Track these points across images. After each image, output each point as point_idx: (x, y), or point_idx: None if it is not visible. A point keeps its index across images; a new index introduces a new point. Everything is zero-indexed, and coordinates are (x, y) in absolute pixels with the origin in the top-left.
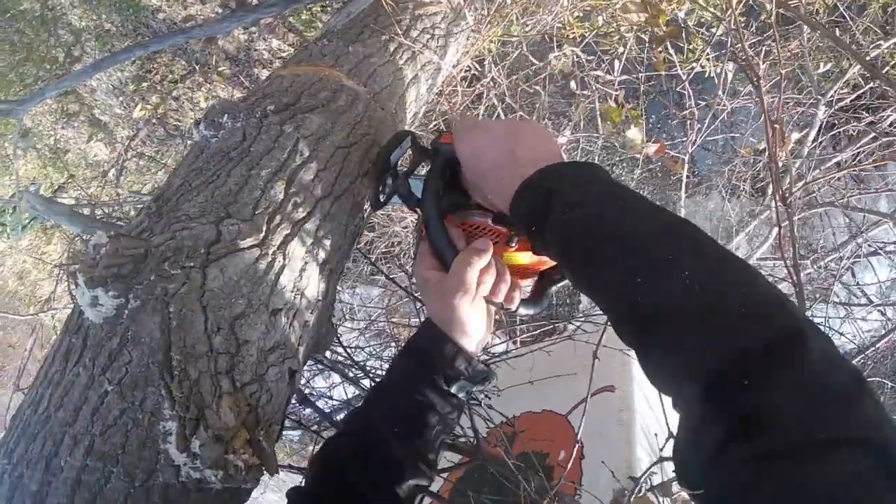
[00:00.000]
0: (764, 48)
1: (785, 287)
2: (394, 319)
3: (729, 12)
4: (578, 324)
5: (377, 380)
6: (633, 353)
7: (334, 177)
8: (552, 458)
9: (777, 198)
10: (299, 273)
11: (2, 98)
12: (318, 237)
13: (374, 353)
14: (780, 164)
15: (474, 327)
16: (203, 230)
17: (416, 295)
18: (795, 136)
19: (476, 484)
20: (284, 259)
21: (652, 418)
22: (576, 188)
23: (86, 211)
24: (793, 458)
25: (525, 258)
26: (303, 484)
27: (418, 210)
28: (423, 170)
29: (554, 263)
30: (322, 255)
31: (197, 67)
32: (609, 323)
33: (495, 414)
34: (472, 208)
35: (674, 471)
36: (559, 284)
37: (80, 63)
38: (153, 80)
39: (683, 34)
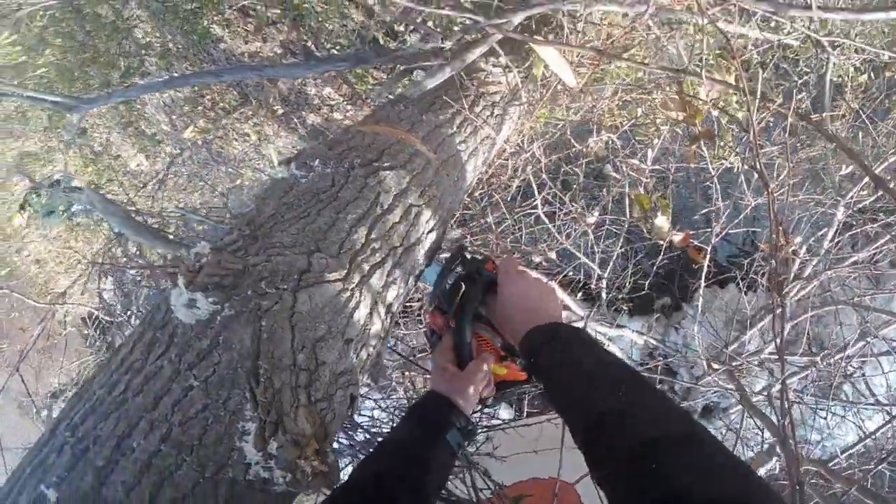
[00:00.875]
0: (789, 152)
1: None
2: (410, 373)
3: (751, 118)
4: None
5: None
6: None
7: (406, 230)
8: None
9: (774, 292)
10: (370, 311)
11: (65, 93)
12: (387, 282)
13: (383, 408)
14: (781, 263)
15: (472, 403)
16: (296, 259)
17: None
18: (798, 239)
19: None
20: (360, 296)
21: None
22: (569, 339)
23: None
24: None
25: (502, 371)
26: None
27: (440, 300)
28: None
29: (516, 379)
30: (389, 298)
31: (254, 101)
32: (567, 427)
33: (500, 477)
34: (485, 324)
35: None
36: (515, 391)
37: (139, 76)
38: (205, 106)
39: (716, 131)
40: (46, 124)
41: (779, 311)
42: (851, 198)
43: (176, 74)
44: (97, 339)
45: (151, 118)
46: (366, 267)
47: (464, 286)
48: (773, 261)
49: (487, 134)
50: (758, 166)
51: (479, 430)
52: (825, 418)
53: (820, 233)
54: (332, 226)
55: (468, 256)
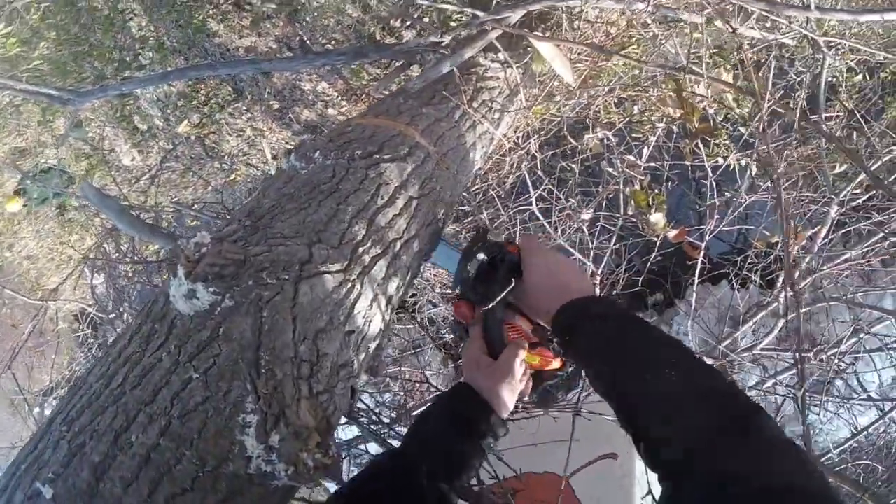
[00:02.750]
0: (786, 150)
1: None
2: (405, 367)
3: (758, 117)
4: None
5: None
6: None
7: (406, 223)
8: None
9: (787, 287)
10: (370, 303)
11: (59, 87)
12: (388, 274)
13: (380, 402)
14: (792, 257)
15: (511, 402)
16: (297, 249)
17: (437, 342)
18: (808, 232)
19: None
20: (361, 288)
21: (653, 487)
22: (606, 312)
23: None
24: (761, 500)
25: (535, 360)
26: None
27: (465, 287)
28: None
29: (551, 368)
30: (389, 290)
31: (248, 96)
32: (614, 411)
33: (501, 470)
34: (514, 310)
35: None
36: (552, 382)
37: (133, 69)
38: (199, 100)
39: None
40: (40, 118)
41: (792, 308)
42: (845, 196)
43: (171, 68)
44: (89, 336)
45: (145, 113)
46: (367, 259)
47: (489, 270)
48: (785, 254)
49: (486, 129)
50: (766, 155)
51: None
52: (818, 414)
53: (812, 230)
54: (333, 217)
55: (491, 239)
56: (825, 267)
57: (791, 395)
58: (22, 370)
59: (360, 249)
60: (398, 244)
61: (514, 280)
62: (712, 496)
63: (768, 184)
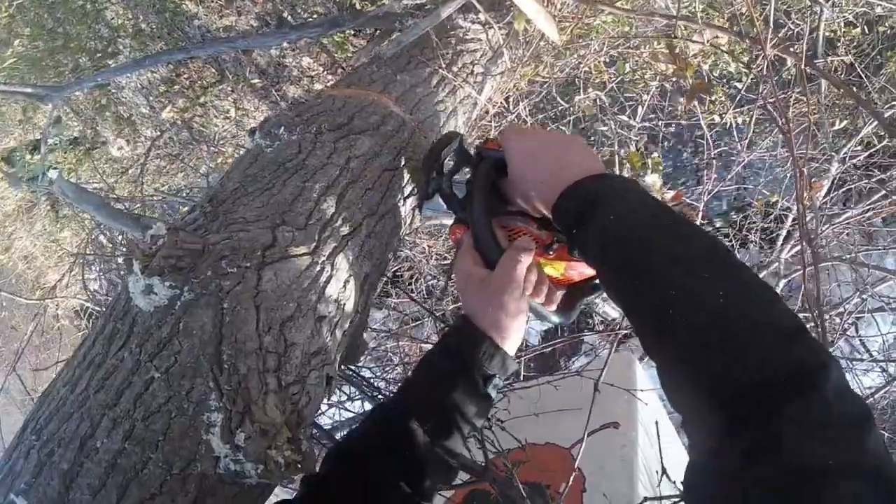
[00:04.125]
0: (787, 101)
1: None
2: (403, 342)
3: (759, 60)
4: (588, 360)
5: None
6: (638, 392)
7: (380, 197)
8: (553, 490)
9: (804, 241)
10: (343, 285)
11: (37, 83)
12: (362, 252)
13: (378, 375)
14: (808, 208)
15: (516, 325)
16: (259, 234)
17: (435, 314)
18: (824, 182)
19: None
20: (332, 270)
21: (653, 457)
22: (623, 197)
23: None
24: (804, 481)
25: (559, 269)
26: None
27: (457, 211)
28: (461, 175)
29: (583, 278)
30: (364, 270)
31: (231, 77)
32: (634, 330)
33: (502, 441)
34: (514, 213)
35: (681, 492)
36: (589, 297)
37: (114, 59)
38: (182, 85)
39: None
40: (21, 117)
41: (810, 267)
42: (846, 153)
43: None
44: (90, 331)
45: (129, 102)
46: (337, 237)
47: (469, 173)
48: (799, 206)
49: (467, 94)
50: (774, 101)
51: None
52: None
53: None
54: (299, 196)
55: (464, 148)
56: (825, 226)
57: None
58: (28, 370)
59: (330, 229)
60: (372, 221)
61: (500, 180)
62: (747, 472)
63: (767, 141)
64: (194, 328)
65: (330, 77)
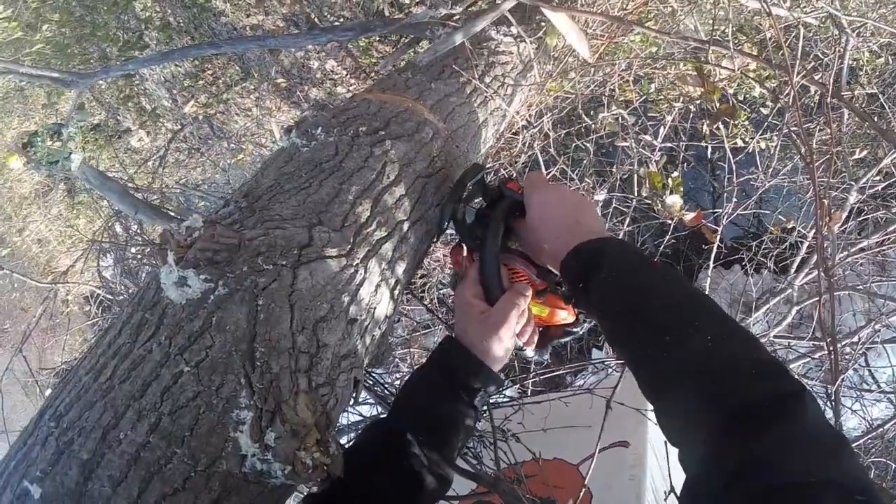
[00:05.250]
0: (811, 130)
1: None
2: (415, 349)
3: (787, 91)
4: (597, 377)
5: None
6: (648, 412)
7: (413, 203)
8: None
9: (820, 270)
10: (375, 289)
11: (63, 69)
12: (393, 258)
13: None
14: (825, 238)
15: (502, 357)
16: (296, 232)
17: (448, 323)
18: (843, 214)
19: None
20: (365, 273)
21: (661, 478)
22: (623, 257)
23: None
24: (791, 496)
25: (543, 312)
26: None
27: (464, 236)
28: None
29: (561, 322)
30: (395, 275)
31: (256, 75)
32: (633, 374)
33: (511, 455)
34: (517, 255)
35: None
36: (561, 340)
37: (138, 50)
38: (206, 80)
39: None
40: (45, 101)
41: (825, 295)
42: (865, 182)
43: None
44: (99, 318)
45: (152, 94)
46: (371, 241)
47: (487, 213)
48: (819, 235)
49: (497, 105)
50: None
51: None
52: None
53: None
54: (335, 197)
55: (484, 180)
56: (842, 254)
57: (821, 384)
58: (33, 353)
59: (365, 231)
60: (405, 225)
61: (512, 222)
62: (735, 487)
63: (787, 168)
64: (228, 323)
65: (353, 81)
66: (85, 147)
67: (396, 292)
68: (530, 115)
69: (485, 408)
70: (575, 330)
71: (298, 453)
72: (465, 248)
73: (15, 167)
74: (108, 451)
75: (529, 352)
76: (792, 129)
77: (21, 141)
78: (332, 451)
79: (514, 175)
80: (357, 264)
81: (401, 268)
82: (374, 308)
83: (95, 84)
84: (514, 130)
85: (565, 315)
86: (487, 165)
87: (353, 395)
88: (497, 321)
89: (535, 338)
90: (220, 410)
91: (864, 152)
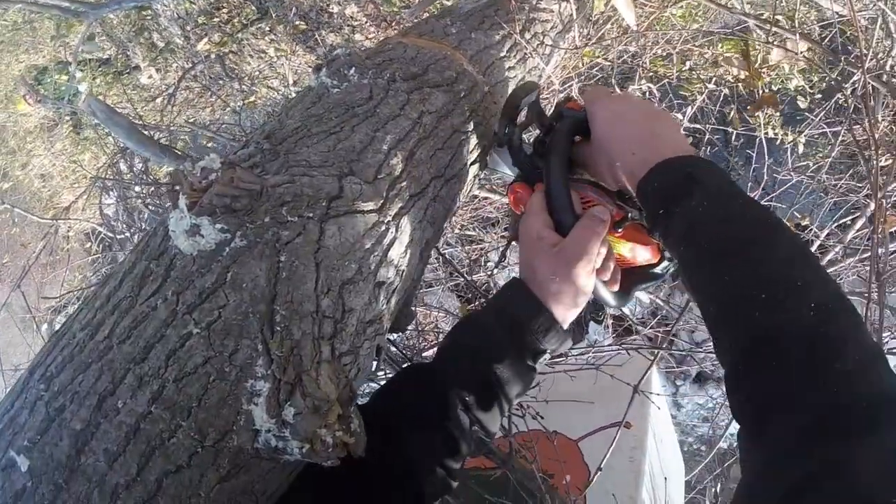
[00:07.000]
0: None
1: None
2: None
3: (852, 82)
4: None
5: None
6: (651, 395)
7: (448, 159)
8: (557, 480)
9: (873, 274)
10: (405, 249)
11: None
12: (425, 217)
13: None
14: (882, 239)
15: (579, 301)
16: (325, 182)
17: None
18: None
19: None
20: (397, 232)
21: (658, 463)
22: (718, 183)
23: None
24: None
25: (624, 249)
26: None
27: (523, 167)
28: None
29: (646, 263)
30: (426, 235)
31: (273, 16)
32: (706, 325)
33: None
34: (585, 183)
35: None
36: (646, 284)
37: None
38: (221, 18)
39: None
40: (54, 33)
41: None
42: (890, 190)
43: None
44: (100, 255)
45: (164, 30)
46: (404, 197)
47: (545, 132)
48: (874, 237)
49: (536, 64)
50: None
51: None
52: None
53: (844, 220)
54: (368, 146)
55: (539, 104)
56: (855, 257)
57: None
58: (32, 287)
59: (399, 186)
60: (439, 183)
61: (576, 145)
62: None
63: (814, 165)
64: (245, 281)
65: (372, 29)
66: (93, 82)
67: (425, 254)
68: (561, 80)
69: None
70: (659, 272)
71: (319, 431)
72: (524, 185)
73: (24, 111)
74: (103, 421)
75: (612, 298)
76: (853, 125)
77: (28, 75)
78: (354, 429)
79: (573, 96)
80: (388, 222)
81: (431, 228)
82: (403, 270)
83: (106, 17)
84: (545, 94)
85: (648, 255)
86: None
87: (375, 364)
88: (574, 253)
89: (618, 278)
90: (233, 380)
91: (891, 160)
